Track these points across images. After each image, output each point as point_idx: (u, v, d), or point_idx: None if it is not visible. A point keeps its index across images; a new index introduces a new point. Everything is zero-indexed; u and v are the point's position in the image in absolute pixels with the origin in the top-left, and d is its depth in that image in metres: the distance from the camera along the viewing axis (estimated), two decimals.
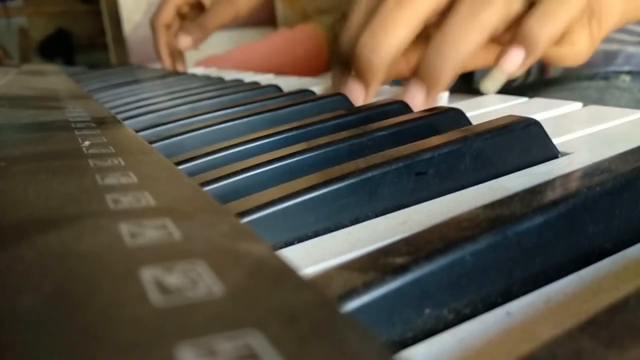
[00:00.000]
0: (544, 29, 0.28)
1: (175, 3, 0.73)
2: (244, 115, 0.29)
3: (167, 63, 0.74)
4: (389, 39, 0.30)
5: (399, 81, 0.65)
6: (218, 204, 0.12)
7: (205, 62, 0.98)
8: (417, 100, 0.30)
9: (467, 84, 0.60)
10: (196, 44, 0.70)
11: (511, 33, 0.30)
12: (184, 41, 0.69)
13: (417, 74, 0.29)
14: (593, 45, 0.34)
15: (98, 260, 0.09)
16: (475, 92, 0.34)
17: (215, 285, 0.08)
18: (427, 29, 0.31)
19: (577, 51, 0.33)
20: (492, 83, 0.31)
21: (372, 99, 0.33)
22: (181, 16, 0.76)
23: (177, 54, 0.75)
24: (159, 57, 0.75)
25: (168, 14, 0.73)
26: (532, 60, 0.29)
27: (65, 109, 0.29)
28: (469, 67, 0.35)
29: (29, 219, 0.11)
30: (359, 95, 0.32)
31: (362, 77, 0.32)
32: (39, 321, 0.07)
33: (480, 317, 0.11)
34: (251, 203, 0.15)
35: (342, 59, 0.34)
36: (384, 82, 0.35)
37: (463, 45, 0.28)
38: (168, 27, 0.74)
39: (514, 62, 0.29)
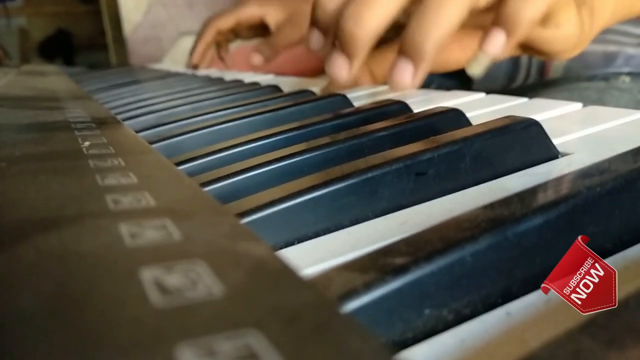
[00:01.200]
0: (524, 10, 0.28)
1: (239, 17, 0.74)
2: (244, 116, 0.29)
3: (196, 59, 0.75)
4: (372, 12, 0.30)
5: None
6: (218, 205, 0.12)
7: (236, 55, 0.99)
8: (405, 77, 0.29)
9: (467, 84, 0.60)
10: (266, 61, 0.71)
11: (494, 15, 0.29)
12: (256, 59, 0.70)
13: (401, 50, 0.29)
14: (584, 36, 0.33)
15: (98, 261, 0.09)
16: (475, 92, 0.34)
17: (215, 286, 0.08)
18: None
19: (564, 34, 0.32)
20: (477, 66, 0.31)
21: (356, 74, 0.33)
22: (237, 34, 0.78)
23: (208, 59, 0.77)
24: (193, 51, 0.76)
25: (227, 23, 0.74)
26: (514, 41, 0.29)
27: (65, 110, 0.29)
28: (458, 62, 0.35)
29: (29, 219, 0.11)
30: (343, 69, 0.32)
31: (347, 50, 0.31)
32: (39, 321, 0.07)
33: (480, 318, 0.11)
34: (251, 203, 0.15)
35: (321, 25, 0.34)
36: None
37: (443, 16, 0.28)
38: (219, 33, 0.75)
39: (496, 45, 0.29)
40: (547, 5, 0.29)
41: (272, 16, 0.74)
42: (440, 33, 0.28)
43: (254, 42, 0.77)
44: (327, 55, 0.33)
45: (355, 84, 0.41)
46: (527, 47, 0.34)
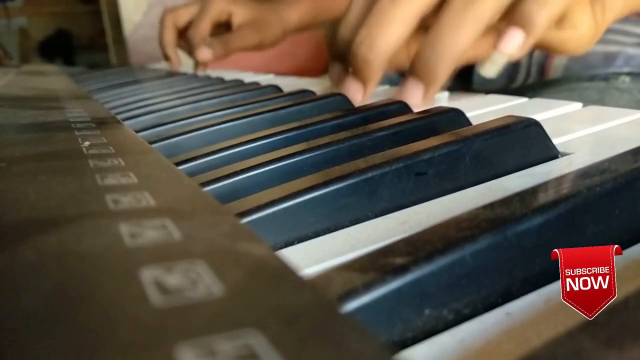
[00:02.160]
0: (543, 10, 0.28)
1: (211, 17, 0.73)
2: (244, 116, 0.29)
3: (170, 48, 0.75)
4: (385, 36, 0.30)
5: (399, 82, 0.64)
6: (218, 204, 0.12)
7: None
8: (415, 98, 0.29)
9: (467, 84, 0.60)
10: (215, 59, 0.70)
11: (507, 19, 0.29)
12: (205, 53, 0.69)
13: (413, 71, 0.29)
14: (597, 32, 0.33)
15: (98, 261, 0.09)
16: (475, 92, 0.34)
17: (215, 286, 0.08)
18: (425, 20, 0.31)
19: (580, 35, 0.32)
20: (491, 66, 0.30)
21: (371, 96, 0.33)
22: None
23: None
24: (161, 42, 0.76)
25: (205, 27, 0.73)
26: (531, 41, 0.29)
27: (65, 110, 0.29)
28: (466, 59, 0.35)
29: (29, 219, 0.11)
30: (357, 93, 0.32)
31: (360, 75, 0.32)
32: (39, 321, 0.07)
33: (480, 318, 0.11)
34: (251, 203, 0.15)
35: (339, 56, 0.34)
36: (385, 75, 0.35)
37: (458, 39, 0.28)
38: (175, 26, 0.75)
39: (513, 44, 0.29)
40: (565, 5, 0.29)
41: (238, 16, 0.73)
42: (454, 55, 0.28)
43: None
44: (340, 81, 0.33)
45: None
46: (540, 46, 0.34)
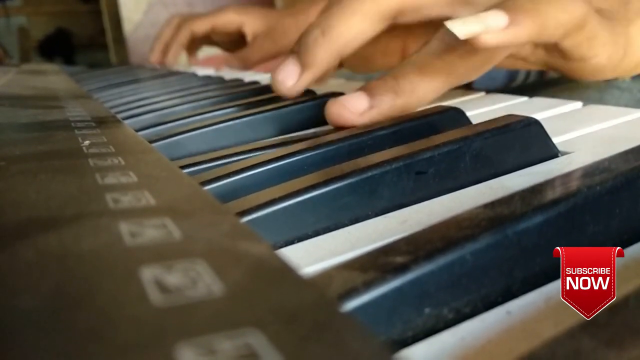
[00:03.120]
0: (532, 17, 0.22)
1: (215, 22, 0.72)
2: (244, 115, 0.29)
3: (172, 61, 0.75)
4: (342, 26, 0.27)
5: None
6: (218, 203, 0.12)
7: (205, 62, 0.99)
8: (289, 78, 0.28)
9: (467, 83, 0.60)
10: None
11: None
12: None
13: (295, 49, 0.28)
14: (620, 58, 0.27)
15: (98, 260, 0.09)
16: (476, 91, 0.34)
17: (215, 285, 0.08)
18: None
19: (594, 67, 0.27)
20: (461, 25, 0.22)
21: (303, 88, 0.30)
22: (213, 42, 0.77)
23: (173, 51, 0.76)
24: (164, 51, 0.76)
25: (201, 26, 0.72)
26: (509, 36, 0.22)
27: (65, 109, 0.29)
28: (381, 67, 0.34)
29: (29, 218, 0.11)
30: (290, 76, 0.29)
31: (303, 56, 0.28)
32: (39, 321, 0.07)
33: (481, 316, 0.11)
34: (251, 202, 0.15)
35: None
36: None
37: (346, 28, 0.26)
38: (192, 36, 0.74)
39: (494, 17, 0.22)
40: (560, 33, 0.24)
41: (250, 26, 0.71)
42: (338, 45, 0.26)
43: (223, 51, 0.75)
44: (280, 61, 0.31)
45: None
46: (556, 71, 0.30)
